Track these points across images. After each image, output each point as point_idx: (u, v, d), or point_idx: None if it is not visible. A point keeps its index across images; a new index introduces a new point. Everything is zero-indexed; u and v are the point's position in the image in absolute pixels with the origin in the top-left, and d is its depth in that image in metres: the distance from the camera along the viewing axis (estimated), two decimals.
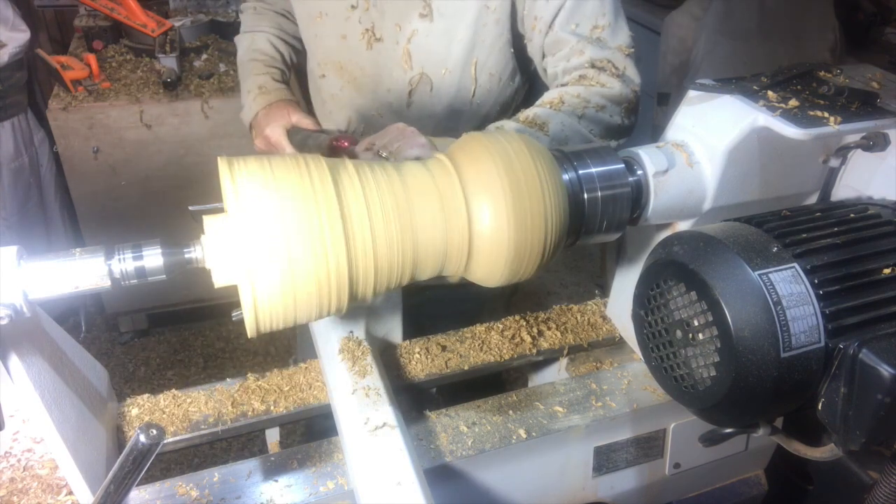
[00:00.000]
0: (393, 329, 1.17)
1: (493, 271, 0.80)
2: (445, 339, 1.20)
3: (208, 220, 0.73)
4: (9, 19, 2.49)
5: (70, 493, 0.88)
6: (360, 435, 0.93)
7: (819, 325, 0.72)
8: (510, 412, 1.07)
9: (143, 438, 0.68)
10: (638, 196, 0.92)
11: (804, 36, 2.59)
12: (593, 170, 0.86)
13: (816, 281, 0.74)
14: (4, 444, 0.90)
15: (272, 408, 1.06)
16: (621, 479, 1.14)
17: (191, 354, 3.04)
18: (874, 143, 0.92)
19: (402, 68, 1.30)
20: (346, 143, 1.09)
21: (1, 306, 0.68)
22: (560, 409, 1.08)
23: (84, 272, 0.71)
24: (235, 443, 2.54)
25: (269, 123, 1.30)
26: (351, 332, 1.10)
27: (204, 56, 2.85)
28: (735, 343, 0.71)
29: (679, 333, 0.79)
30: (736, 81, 0.97)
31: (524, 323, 1.24)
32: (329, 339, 1.09)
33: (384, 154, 0.95)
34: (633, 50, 1.19)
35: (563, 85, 1.17)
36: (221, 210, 0.72)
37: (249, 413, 1.06)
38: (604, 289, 1.36)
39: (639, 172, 0.92)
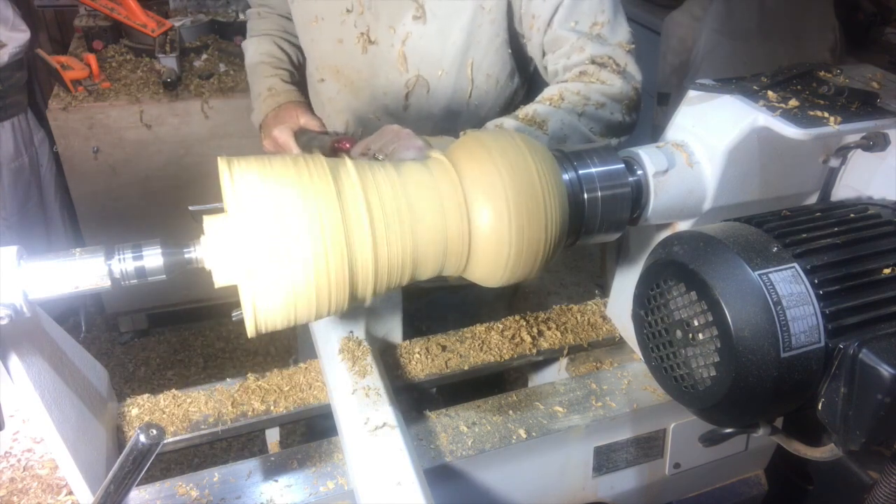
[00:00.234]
0: (393, 329, 1.17)
1: (493, 271, 0.80)
2: (445, 339, 1.20)
3: (208, 220, 0.73)
4: (9, 19, 2.49)
5: (70, 493, 0.88)
6: (360, 435, 0.93)
7: (819, 325, 0.72)
8: (510, 412, 1.07)
9: (143, 438, 0.68)
10: (638, 196, 0.92)
11: (804, 36, 2.59)
12: (593, 170, 0.86)
13: (816, 281, 0.74)
14: (4, 444, 0.90)
15: (272, 408, 1.06)
16: (621, 479, 1.14)
17: (191, 354, 3.04)
18: (874, 143, 0.92)
19: (397, 71, 1.30)
20: (347, 145, 1.10)
21: (1, 306, 0.68)
22: (560, 409, 1.08)
23: (84, 272, 0.71)
24: (235, 443, 2.54)
25: (277, 125, 1.31)
26: (351, 332, 1.10)
27: (204, 56, 2.85)
28: (735, 343, 0.71)
29: (679, 333, 0.79)
30: (736, 81, 0.97)
31: (524, 323, 1.24)
32: (329, 339, 1.09)
33: (380, 157, 0.95)
34: (633, 46, 1.19)
35: (563, 81, 1.17)
36: (221, 210, 0.72)
37: (249, 413, 1.05)
38: (604, 289, 1.36)
39: (639, 172, 0.92)
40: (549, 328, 1.24)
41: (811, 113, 0.89)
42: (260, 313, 0.70)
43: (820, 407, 0.74)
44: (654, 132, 2.68)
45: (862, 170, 0.99)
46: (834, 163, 0.99)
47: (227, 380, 1.11)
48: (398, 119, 1.35)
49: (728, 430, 0.83)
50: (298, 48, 1.52)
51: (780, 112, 0.88)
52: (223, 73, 2.74)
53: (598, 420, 1.07)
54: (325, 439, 1.03)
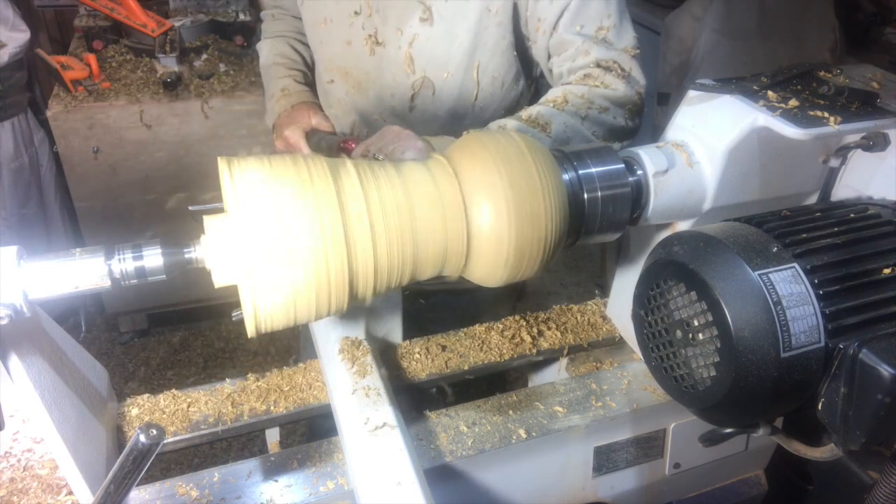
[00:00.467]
0: (393, 329, 1.17)
1: (493, 271, 0.80)
2: (445, 339, 1.20)
3: (208, 220, 0.73)
4: (9, 19, 2.50)
5: (70, 493, 0.88)
6: (360, 435, 0.93)
7: (819, 325, 0.72)
8: (510, 412, 1.07)
9: (143, 438, 0.68)
10: (638, 196, 0.92)
11: (804, 36, 2.60)
12: (593, 170, 0.86)
13: (816, 281, 0.74)
14: (4, 444, 0.90)
15: (272, 408, 1.06)
16: (621, 479, 1.14)
17: (191, 354, 3.04)
18: (874, 143, 0.92)
19: (404, 72, 1.30)
20: (352, 145, 1.11)
21: (1, 306, 0.68)
22: (560, 409, 1.08)
23: (84, 272, 0.71)
24: (235, 443, 2.54)
25: (289, 125, 1.32)
26: (351, 332, 1.10)
27: (204, 56, 2.84)
28: (735, 343, 0.71)
29: (679, 333, 0.79)
30: (736, 81, 0.97)
31: (524, 323, 1.24)
32: (329, 339, 1.09)
33: (380, 157, 0.95)
34: (638, 51, 1.19)
35: (567, 84, 1.17)
36: (221, 210, 0.72)
37: (249, 413, 1.06)
38: (604, 289, 1.36)
39: (639, 172, 0.92)
40: (549, 328, 1.24)
41: (811, 113, 0.89)
42: (260, 313, 0.70)
43: (820, 407, 0.74)
44: (654, 132, 2.68)
45: (862, 170, 0.99)
46: (834, 163, 0.99)
47: (227, 380, 1.11)
48: (403, 120, 1.35)
49: (728, 430, 0.83)
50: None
51: (780, 112, 0.88)
52: (223, 73, 2.74)
53: (598, 420, 1.07)
54: (325, 439, 1.03)
